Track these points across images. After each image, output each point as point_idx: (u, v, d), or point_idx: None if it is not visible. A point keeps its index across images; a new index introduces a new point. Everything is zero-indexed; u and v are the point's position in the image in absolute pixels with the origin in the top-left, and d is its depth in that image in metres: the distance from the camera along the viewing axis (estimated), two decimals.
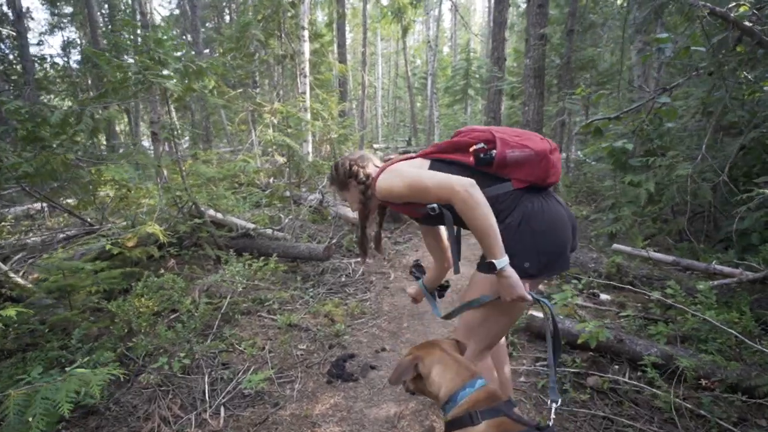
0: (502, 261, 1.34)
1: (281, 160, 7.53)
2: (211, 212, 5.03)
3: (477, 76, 18.15)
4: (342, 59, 11.10)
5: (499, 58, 8.48)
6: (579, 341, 2.45)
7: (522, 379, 2.52)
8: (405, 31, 15.50)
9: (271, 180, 7.88)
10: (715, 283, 2.70)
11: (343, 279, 4.30)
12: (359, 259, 4.81)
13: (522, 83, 7.11)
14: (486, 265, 1.40)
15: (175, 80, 3.97)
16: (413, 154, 1.67)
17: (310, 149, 7.44)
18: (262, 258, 3.87)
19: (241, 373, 2.64)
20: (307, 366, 2.77)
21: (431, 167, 1.54)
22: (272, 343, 3.03)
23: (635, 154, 4.14)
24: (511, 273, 1.34)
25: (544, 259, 1.43)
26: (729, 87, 3.31)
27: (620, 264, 3.37)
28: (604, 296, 3.22)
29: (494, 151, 1.44)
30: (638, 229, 3.52)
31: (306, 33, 9.25)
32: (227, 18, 17.30)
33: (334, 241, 4.79)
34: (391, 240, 5.79)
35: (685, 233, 3.23)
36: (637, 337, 2.49)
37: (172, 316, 3.21)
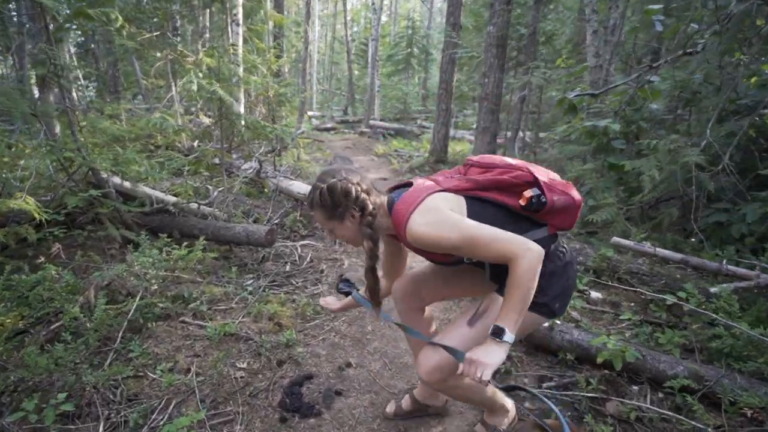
0: (511, 336, 1.29)
1: (207, 121, 6.40)
2: (117, 180, 3.99)
3: (421, 45, 17.50)
4: (279, 10, 9.83)
5: (455, 24, 7.89)
6: (598, 360, 2.02)
7: (527, 404, 2.05)
8: None
9: (195, 144, 6.75)
10: (729, 285, 2.43)
11: (287, 268, 3.58)
12: (313, 242, 4.09)
13: (483, 52, 6.61)
14: (493, 327, 1.31)
15: None
16: (437, 184, 1.47)
17: (242, 110, 6.39)
18: (185, 242, 3.02)
19: (156, 413, 1.89)
20: (250, 395, 2.08)
21: (470, 208, 1.42)
22: (201, 361, 2.28)
23: (617, 135, 3.82)
24: (504, 352, 1.29)
25: (568, 299, 1.54)
26: (726, 66, 3.00)
27: (610, 258, 3.04)
28: (595, 294, 2.87)
29: (544, 197, 1.40)
30: (622, 219, 3.22)
31: None
32: None
33: (276, 221, 4.01)
34: None
35: (688, 226, 2.97)
36: (658, 352, 2.12)
37: (53, 327, 2.31)
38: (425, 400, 1.97)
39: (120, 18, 7.09)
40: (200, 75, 6.23)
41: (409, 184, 1.51)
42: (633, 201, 3.29)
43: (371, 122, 15.37)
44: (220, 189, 4.37)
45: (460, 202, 1.42)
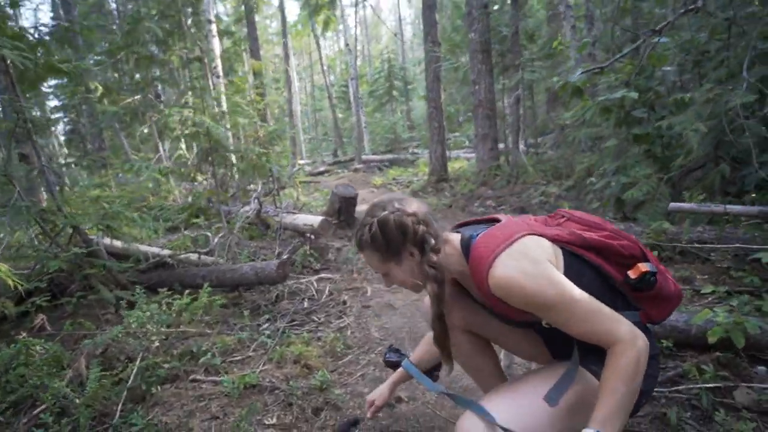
0: None
1: (201, 179, 6.16)
2: (107, 241, 3.67)
3: (399, 77, 17.77)
4: (256, 57, 9.90)
5: (434, 42, 7.85)
6: (710, 339, 1.62)
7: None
8: (326, 25, 14.58)
9: (189, 200, 6.50)
10: None
11: (306, 304, 3.18)
12: (329, 275, 3.71)
13: (469, 60, 6.50)
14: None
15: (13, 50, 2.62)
16: (530, 227, 1.19)
17: (233, 159, 6.17)
18: (187, 293, 2.65)
19: None
20: None
21: (567, 264, 1.15)
22: (220, 424, 1.86)
23: (634, 105, 3.54)
24: None
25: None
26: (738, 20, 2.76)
27: (666, 230, 2.67)
28: None
29: (655, 277, 1.16)
30: (665, 189, 2.88)
31: (214, 27, 8.00)
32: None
33: (285, 256, 3.65)
34: (347, 250, 4.74)
35: (739, 185, 2.62)
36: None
37: (37, 411, 1.90)
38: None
39: (100, 87, 7.04)
40: (186, 133, 6.08)
41: (492, 221, 1.26)
42: (672, 168, 2.96)
43: (363, 157, 15.28)
44: (220, 235, 4.04)
45: (558, 254, 1.16)
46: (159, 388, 2.07)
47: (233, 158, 3.57)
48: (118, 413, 1.90)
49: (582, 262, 1.17)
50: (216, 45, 7.73)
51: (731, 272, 2.32)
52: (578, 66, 4.32)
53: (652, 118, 3.46)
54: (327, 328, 2.81)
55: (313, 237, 4.32)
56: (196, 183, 6.32)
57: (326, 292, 3.41)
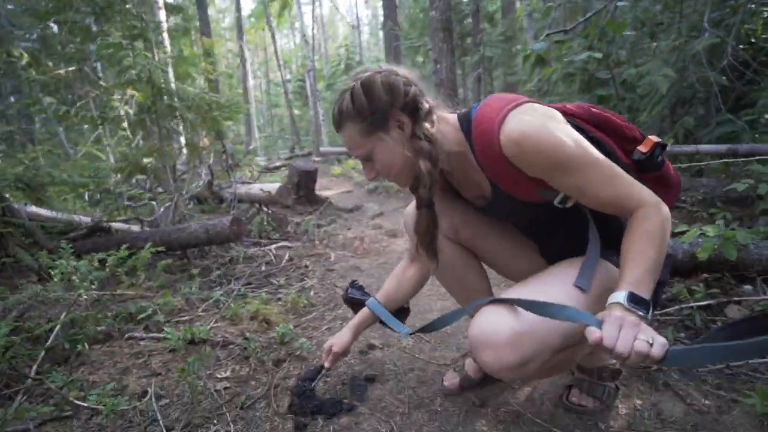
0: (651, 311, 0.81)
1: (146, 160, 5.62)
2: (32, 209, 3.21)
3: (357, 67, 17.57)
4: (207, 35, 9.36)
5: (394, 22, 7.74)
6: (700, 256, 1.54)
7: None
8: (283, 7, 14.08)
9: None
10: None
11: (263, 269, 2.90)
12: (288, 243, 3.44)
13: (430, 39, 6.42)
14: (630, 295, 0.80)
15: None
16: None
17: (182, 139, 5.70)
18: (125, 246, 2.31)
19: None
20: (242, 407, 1.40)
21: None
22: (162, 380, 1.58)
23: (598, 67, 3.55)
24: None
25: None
26: None
27: None
28: None
29: (661, 155, 1.05)
30: None
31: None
32: None
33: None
34: (307, 222, 4.47)
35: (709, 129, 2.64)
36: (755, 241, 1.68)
37: None
38: None
39: (25, 54, 6.31)
40: (130, 111, 5.57)
41: None
42: (637, 124, 2.98)
43: (322, 150, 14.94)
44: (166, 204, 3.66)
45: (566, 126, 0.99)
46: (86, 346, 1.75)
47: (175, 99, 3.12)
48: (32, 372, 1.56)
49: (589, 138, 1.03)
50: (162, 17, 7.19)
51: (702, 214, 2.31)
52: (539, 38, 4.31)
53: (616, 80, 3.47)
54: (288, 289, 2.55)
55: (269, 210, 4.02)
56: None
57: (286, 257, 3.15)
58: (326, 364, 1.40)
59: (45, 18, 6.30)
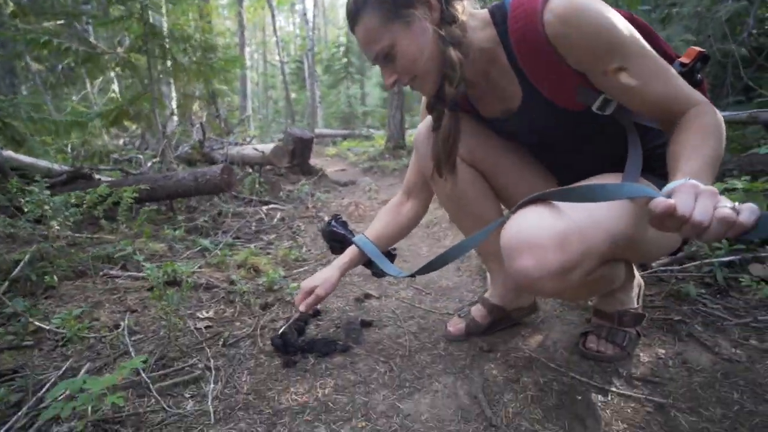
0: None
1: (133, 127, 5.39)
2: (10, 154, 3.03)
3: (357, 53, 17.27)
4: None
5: None
6: None
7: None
8: None
9: (121, 142, 5.74)
10: None
11: (253, 225, 2.76)
12: (280, 206, 3.28)
13: None
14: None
15: None
16: None
17: (173, 92, 5.48)
18: (104, 185, 2.15)
19: (47, 387, 1.04)
20: (224, 345, 1.27)
21: None
22: (138, 317, 1.44)
23: None
24: None
25: None
26: None
27: None
28: None
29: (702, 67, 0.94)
30: None
31: None
32: None
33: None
34: (300, 189, 4.32)
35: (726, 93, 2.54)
36: None
37: None
38: (507, 302, 1.27)
39: (10, 3, 6.01)
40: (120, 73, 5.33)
41: None
42: None
43: (317, 131, 14.67)
44: (154, 160, 3.48)
45: None
46: (55, 279, 1.60)
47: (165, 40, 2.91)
48: None
49: None
50: None
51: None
52: None
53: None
54: (278, 246, 2.42)
55: (263, 172, 3.86)
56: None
57: (277, 217, 3.00)
58: (301, 308, 1.18)
59: None
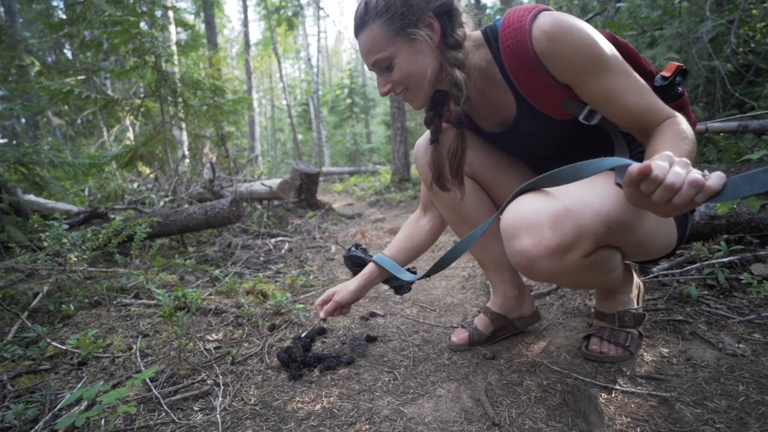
0: None
1: (147, 171, 5.61)
2: (31, 198, 3.18)
3: (360, 93, 17.89)
4: (212, 48, 9.57)
5: None
6: (719, 210, 1.46)
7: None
8: (291, 25, 14.46)
9: (135, 185, 5.92)
10: None
11: (262, 257, 2.81)
12: (288, 238, 3.35)
13: None
14: None
15: None
16: None
17: (185, 138, 5.73)
18: (118, 219, 2.24)
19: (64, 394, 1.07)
20: (233, 363, 1.30)
21: None
22: (149, 341, 1.48)
23: None
24: None
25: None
26: None
27: None
28: None
29: (682, 82, 1.02)
30: None
31: (171, 14, 7.64)
32: None
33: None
34: (306, 222, 4.40)
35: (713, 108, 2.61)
36: None
37: None
38: (509, 310, 1.30)
39: (37, 62, 6.43)
40: (135, 123, 5.59)
41: None
42: None
43: (324, 170, 15.01)
44: (166, 199, 3.61)
45: None
46: (71, 307, 1.65)
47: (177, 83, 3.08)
48: (11, 334, 1.46)
49: None
50: (173, 31, 7.36)
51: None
52: None
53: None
54: (286, 274, 2.46)
55: (270, 207, 3.96)
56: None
57: (285, 247, 3.06)
58: (321, 314, 1.25)
59: (58, 29, 6.46)
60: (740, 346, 1.09)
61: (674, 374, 1.03)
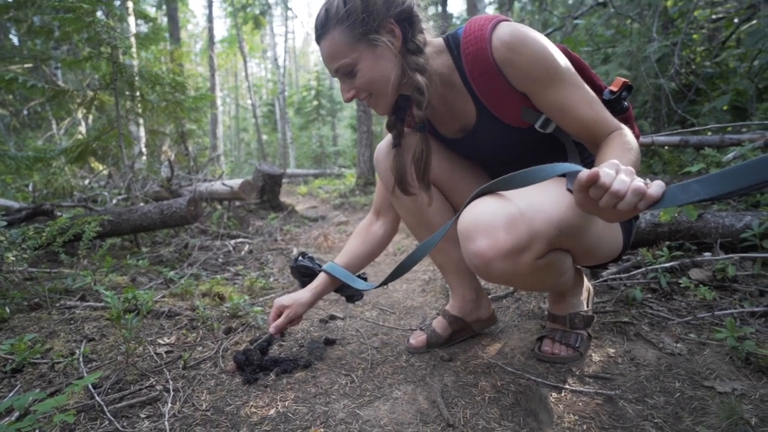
0: None
1: (100, 167, 5.33)
2: None
3: (327, 95, 17.80)
4: (174, 43, 9.24)
5: None
6: (662, 218, 1.56)
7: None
8: (257, 24, 14.19)
9: (86, 182, 5.62)
10: (741, 149, 2.16)
11: (221, 258, 2.73)
12: (249, 240, 3.26)
13: None
14: None
15: None
16: None
17: (142, 134, 5.49)
18: (64, 216, 2.11)
19: None
20: (185, 368, 1.25)
21: None
22: (95, 345, 1.40)
23: None
24: None
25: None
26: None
27: None
28: None
29: (628, 96, 1.08)
30: None
31: (130, 5, 7.33)
32: None
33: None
34: (268, 223, 4.32)
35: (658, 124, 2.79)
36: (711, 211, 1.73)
37: None
38: (466, 313, 1.32)
39: None
40: (88, 115, 5.32)
41: None
42: None
43: (288, 171, 14.78)
44: (120, 196, 3.44)
45: None
46: (7, 310, 1.54)
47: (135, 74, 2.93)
48: None
49: None
50: (131, 23, 7.06)
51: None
52: None
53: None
54: (245, 276, 2.40)
55: (231, 207, 3.86)
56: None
57: (245, 249, 2.99)
58: (271, 329, 1.21)
59: (2, 12, 6.04)
60: (678, 345, 1.16)
61: (619, 373, 1.08)
